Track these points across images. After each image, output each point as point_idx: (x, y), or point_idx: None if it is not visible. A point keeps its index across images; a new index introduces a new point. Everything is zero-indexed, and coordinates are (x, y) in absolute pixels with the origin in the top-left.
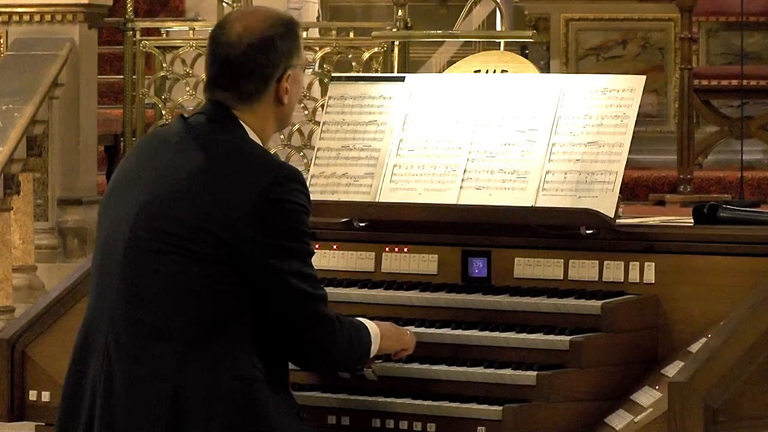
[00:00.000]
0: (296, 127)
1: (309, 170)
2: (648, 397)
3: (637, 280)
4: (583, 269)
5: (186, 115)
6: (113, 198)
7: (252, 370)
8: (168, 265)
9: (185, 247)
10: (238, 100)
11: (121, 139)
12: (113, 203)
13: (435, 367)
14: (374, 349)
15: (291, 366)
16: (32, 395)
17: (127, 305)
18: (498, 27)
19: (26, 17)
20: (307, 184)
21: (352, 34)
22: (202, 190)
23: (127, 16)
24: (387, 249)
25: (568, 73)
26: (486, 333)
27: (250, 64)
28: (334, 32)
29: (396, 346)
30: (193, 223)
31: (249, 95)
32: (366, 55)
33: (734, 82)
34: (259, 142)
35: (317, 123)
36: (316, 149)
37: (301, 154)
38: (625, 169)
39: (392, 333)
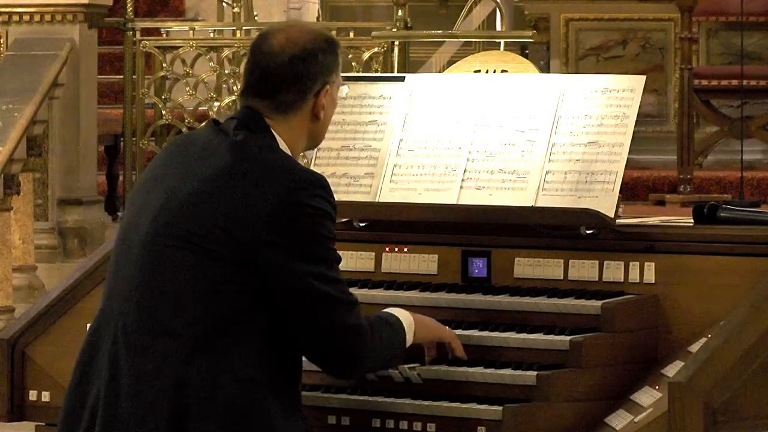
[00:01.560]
0: None
1: None
2: (648, 397)
3: (637, 280)
4: (583, 269)
5: (218, 120)
6: (137, 195)
7: (255, 374)
8: (182, 262)
9: (201, 246)
10: (274, 110)
11: (121, 139)
12: (136, 199)
13: (435, 367)
14: (409, 340)
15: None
16: (32, 395)
17: (139, 299)
18: (498, 27)
19: (26, 17)
20: None
21: (352, 34)
22: (223, 191)
23: (127, 16)
24: (387, 249)
25: (568, 73)
26: (486, 333)
27: (291, 74)
28: (334, 32)
29: (433, 335)
30: (212, 223)
31: (286, 106)
32: (366, 55)
33: (734, 82)
34: (288, 153)
35: None
36: (316, 149)
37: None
38: (625, 169)
39: (429, 323)
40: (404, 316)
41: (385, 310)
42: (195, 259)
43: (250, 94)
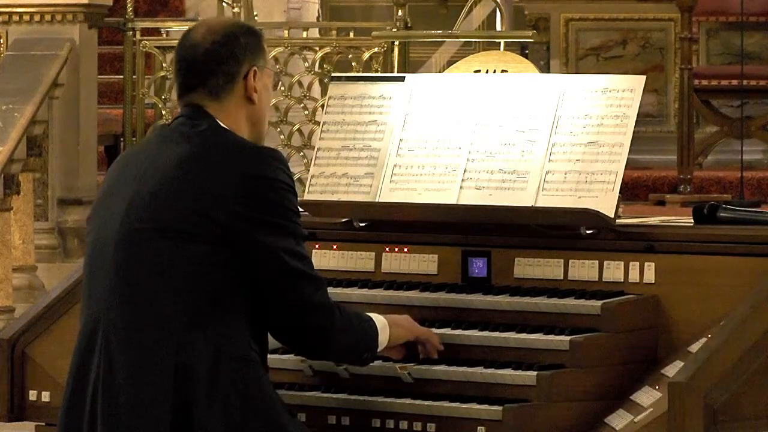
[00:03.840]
0: (296, 127)
1: (309, 170)
2: (648, 397)
3: (637, 280)
4: (583, 269)
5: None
6: (100, 207)
7: (248, 352)
8: (161, 250)
9: (177, 230)
10: (207, 97)
11: (121, 139)
12: (101, 207)
13: (435, 367)
14: (383, 339)
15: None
16: (32, 395)
17: (121, 295)
18: (498, 27)
19: (26, 17)
20: (307, 184)
21: (352, 34)
22: (188, 175)
23: (127, 16)
24: (387, 249)
25: (568, 73)
26: (486, 333)
27: (215, 58)
28: (334, 32)
29: (408, 335)
30: (184, 206)
31: (218, 90)
32: (366, 55)
33: (734, 82)
34: None
35: (317, 123)
36: (316, 149)
37: (301, 154)
38: (625, 169)
39: (404, 323)
40: (377, 318)
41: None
42: (174, 245)
43: (185, 91)
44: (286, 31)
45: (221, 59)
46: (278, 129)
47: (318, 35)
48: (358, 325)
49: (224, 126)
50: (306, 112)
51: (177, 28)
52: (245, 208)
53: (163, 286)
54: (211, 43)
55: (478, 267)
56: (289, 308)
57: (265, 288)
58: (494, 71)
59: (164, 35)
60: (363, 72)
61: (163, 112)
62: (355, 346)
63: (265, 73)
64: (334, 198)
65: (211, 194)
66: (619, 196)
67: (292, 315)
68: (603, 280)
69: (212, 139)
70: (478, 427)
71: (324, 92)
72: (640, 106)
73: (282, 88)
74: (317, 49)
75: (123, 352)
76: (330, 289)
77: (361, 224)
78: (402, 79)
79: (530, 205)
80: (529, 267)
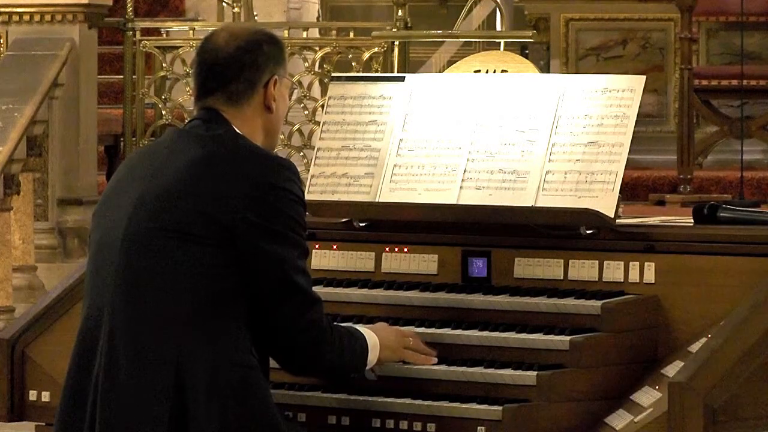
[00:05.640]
0: (296, 127)
1: (309, 170)
2: (648, 397)
3: (637, 280)
4: (583, 269)
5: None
6: (107, 204)
7: (249, 358)
8: (166, 250)
9: (184, 232)
10: (227, 102)
11: (121, 139)
12: (107, 205)
13: (435, 367)
14: (372, 359)
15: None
16: (32, 395)
17: (125, 294)
18: (498, 27)
19: (26, 17)
20: (307, 184)
21: (352, 34)
22: (200, 177)
23: (127, 16)
24: (387, 249)
25: (568, 73)
26: (486, 333)
27: (238, 63)
28: (334, 32)
29: (395, 358)
30: (192, 208)
31: (237, 96)
32: (366, 55)
33: (734, 82)
34: None
35: (317, 123)
36: (316, 149)
37: (301, 154)
38: (625, 169)
39: (393, 344)
40: (369, 335)
41: (355, 326)
42: (179, 246)
43: (203, 94)
44: (286, 31)
45: (243, 65)
46: None
47: (318, 35)
48: (348, 346)
49: (240, 132)
50: (306, 112)
51: (177, 28)
52: (253, 214)
53: (166, 287)
54: (234, 48)
55: (478, 267)
56: (282, 322)
57: (262, 297)
58: (494, 71)
59: (164, 35)
60: (363, 72)
61: (163, 112)
62: (342, 367)
63: (283, 83)
64: (334, 198)
65: (220, 197)
66: (619, 196)
67: (284, 329)
68: (603, 280)
69: (227, 144)
70: (478, 427)
71: (324, 92)
72: (640, 106)
73: None
74: (317, 49)
75: (125, 350)
76: (330, 289)
77: (361, 224)
78: (402, 79)
79: (530, 205)
80: (529, 267)
